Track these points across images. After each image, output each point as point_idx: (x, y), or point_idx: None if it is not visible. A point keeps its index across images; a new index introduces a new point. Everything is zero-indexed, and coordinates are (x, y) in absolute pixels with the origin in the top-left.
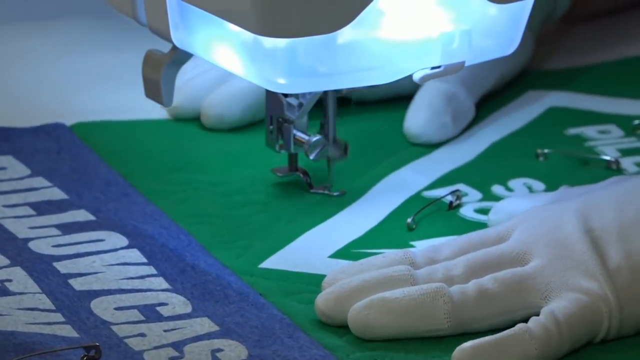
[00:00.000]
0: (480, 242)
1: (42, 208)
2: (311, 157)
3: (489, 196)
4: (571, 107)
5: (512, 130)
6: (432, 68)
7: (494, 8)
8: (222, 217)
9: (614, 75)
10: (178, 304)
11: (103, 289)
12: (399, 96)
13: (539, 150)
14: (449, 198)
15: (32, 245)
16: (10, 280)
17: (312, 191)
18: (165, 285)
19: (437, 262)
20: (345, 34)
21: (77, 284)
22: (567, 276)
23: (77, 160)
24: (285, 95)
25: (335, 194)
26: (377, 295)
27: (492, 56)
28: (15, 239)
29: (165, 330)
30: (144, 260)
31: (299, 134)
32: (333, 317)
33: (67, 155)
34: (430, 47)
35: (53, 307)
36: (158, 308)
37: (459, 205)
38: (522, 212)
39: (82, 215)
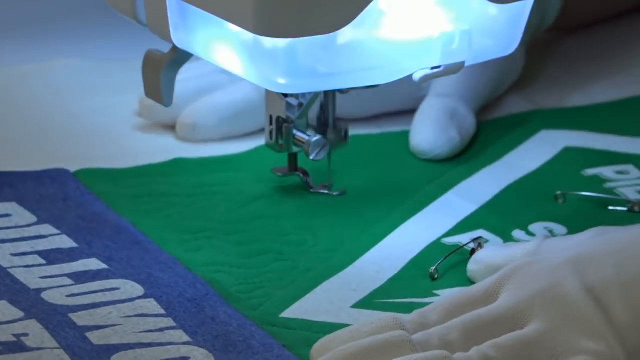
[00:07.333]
0: (469, 303)
1: (52, 257)
2: (311, 157)
3: (512, 242)
4: (587, 147)
5: (528, 171)
6: (432, 68)
7: (494, 8)
8: (237, 266)
9: (627, 113)
10: (200, 357)
11: (122, 343)
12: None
13: (558, 192)
14: (471, 245)
15: (45, 295)
16: (26, 335)
17: (312, 191)
18: (186, 338)
19: (426, 327)
20: (345, 34)
21: (95, 337)
22: (573, 338)
23: (83, 207)
24: (285, 95)
25: (335, 193)
26: None
27: (492, 56)
28: (28, 289)
29: None
30: (162, 311)
31: (299, 134)
32: None
33: (73, 202)
34: (430, 47)
35: None
36: None
37: None
38: (504, 264)
39: (93, 264)
